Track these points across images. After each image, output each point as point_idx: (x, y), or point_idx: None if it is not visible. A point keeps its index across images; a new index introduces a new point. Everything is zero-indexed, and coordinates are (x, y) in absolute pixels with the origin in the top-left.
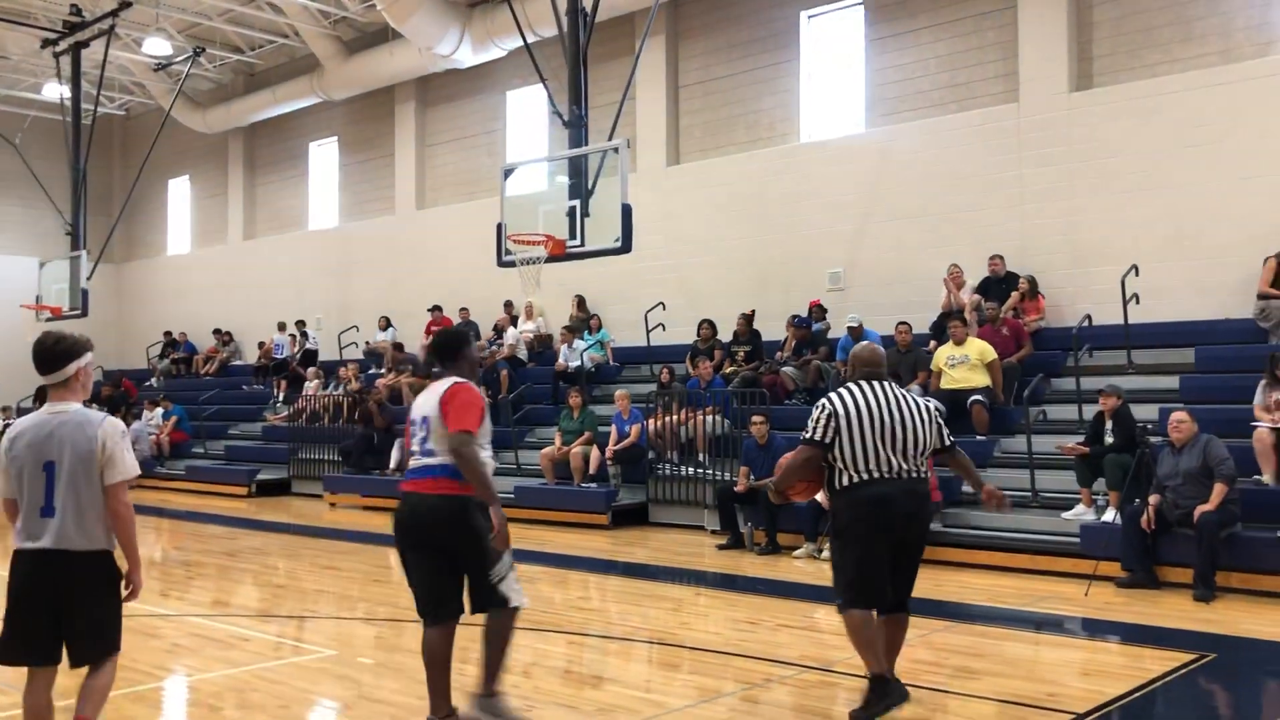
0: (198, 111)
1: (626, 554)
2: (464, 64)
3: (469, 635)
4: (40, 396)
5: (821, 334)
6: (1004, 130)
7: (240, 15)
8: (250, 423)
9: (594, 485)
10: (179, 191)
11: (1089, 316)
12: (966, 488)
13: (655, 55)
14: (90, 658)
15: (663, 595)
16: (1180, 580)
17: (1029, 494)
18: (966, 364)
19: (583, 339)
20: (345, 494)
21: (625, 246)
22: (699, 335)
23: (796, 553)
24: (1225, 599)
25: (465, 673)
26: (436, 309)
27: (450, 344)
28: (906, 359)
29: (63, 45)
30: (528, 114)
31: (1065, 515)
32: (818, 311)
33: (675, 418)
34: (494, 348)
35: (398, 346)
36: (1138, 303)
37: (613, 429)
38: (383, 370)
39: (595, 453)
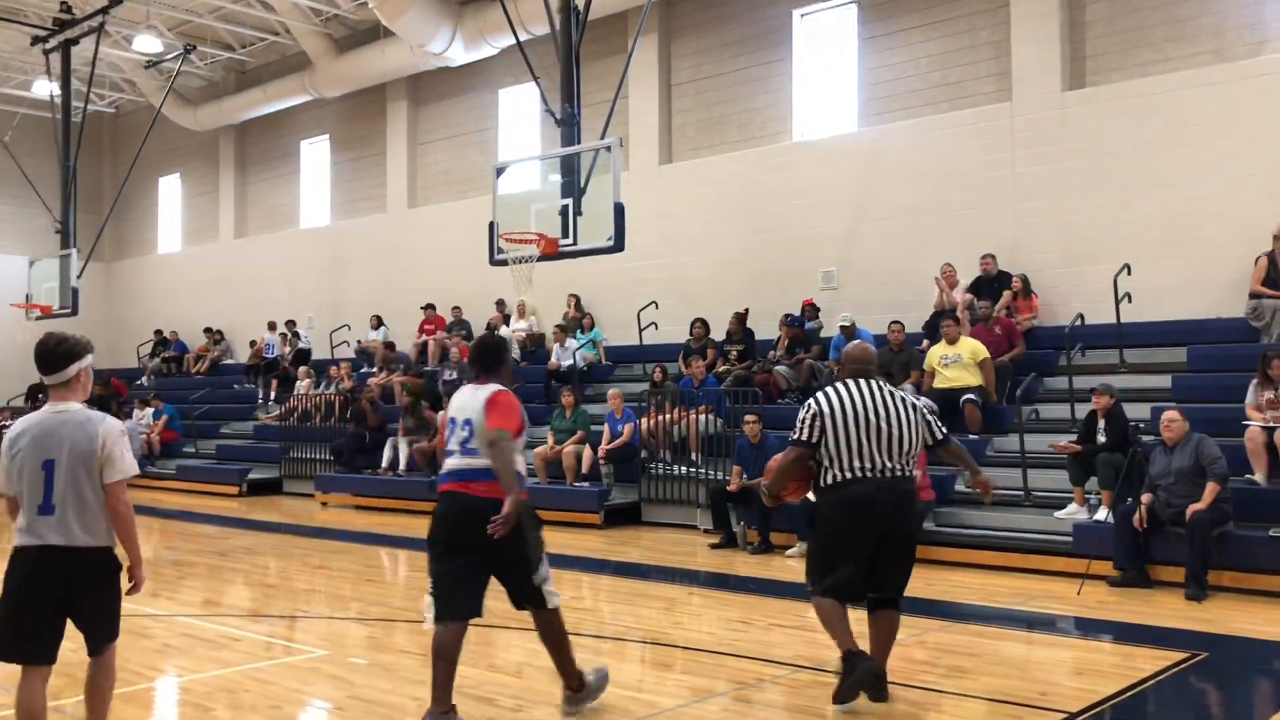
0: (188, 109)
1: (619, 553)
2: (456, 62)
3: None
4: (31, 395)
5: (814, 333)
6: (997, 129)
7: (231, 12)
8: (241, 422)
9: (586, 485)
10: (170, 189)
11: (1081, 315)
12: (960, 486)
13: (648, 54)
14: (100, 640)
15: (655, 595)
16: (1172, 579)
17: (1021, 493)
18: (959, 363)
19: (575, 338)
20: (337, 493)
21: (618, 245)
22: (692, 334)
23: (789, 552)
24: (1217, 598)
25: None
26: (429, 307)
27: (491, 351)
28: (899, 358)
29: (53, 42)
30: (520, 112)
31: (1058, 514)
32: (810, 310)
33: (668, 417)
34: None
35: (389, 345)
36: (1130, 302)
37: (605, 428)
38: (374, 369)
39: (588, 452)
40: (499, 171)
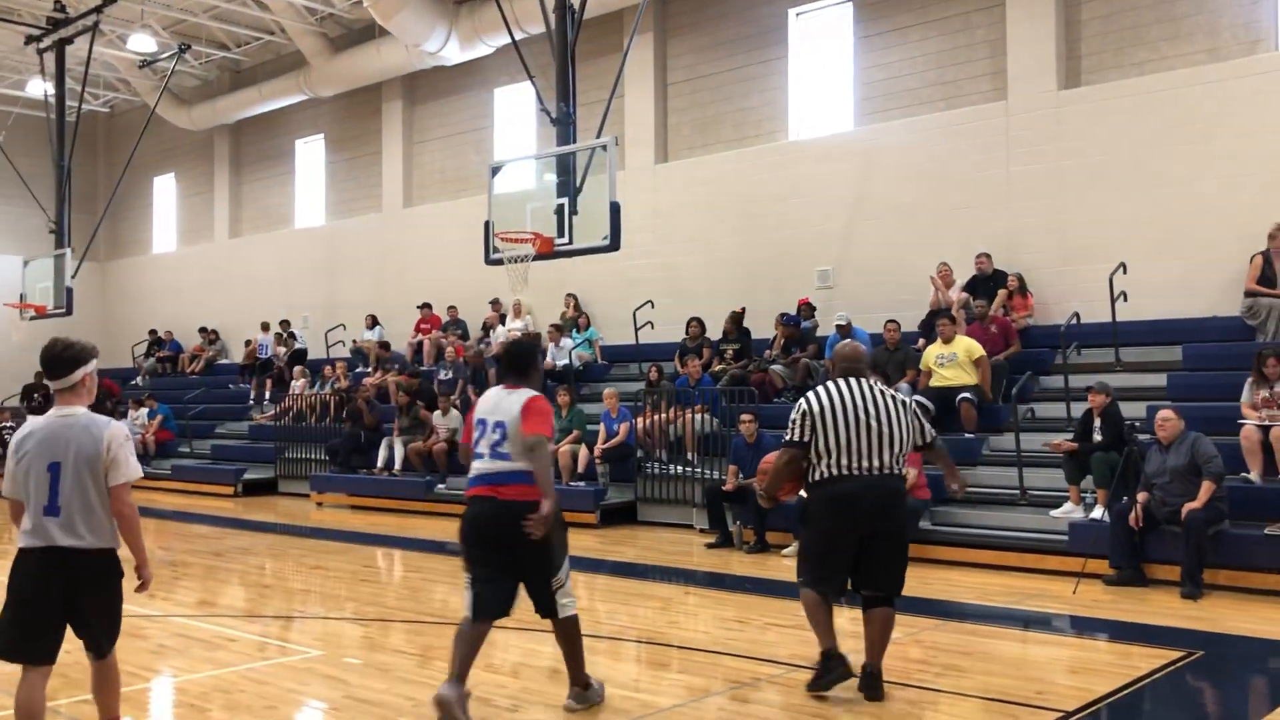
0: (183, 109)
1: (615, 553)
2: (451, 61)
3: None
4: (26, 395)
5: (810, 332)
6: (992, 128)
7: (226, 12)
8: (236, 422)
9: (582, 484)
10: (164, 189)
11: (1077, 314)
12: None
13: (643, 52)
14: (103, 641)
15: (651, 594)
16: (1168, 578)
17: (1017, 492)
18: (955, 362)
19: (571, 337)
20: (332, 493)
21: (614, 244)
22: (688, 333)
23: (785, 551)
24: (1212, 596)
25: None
26: (426, 306)
27: (524, 356)
28: (895, 357)
29: (47, 42)
30: (515, 111)
31: (1053, 513)
32: (806, 309)
33: (664, 416)
34: (482, 346)
35: (383, 345)
36: (1125, 300)
37: (601, 427)
38: (369, 369)
39: (584, 451)
40: (494, 171)
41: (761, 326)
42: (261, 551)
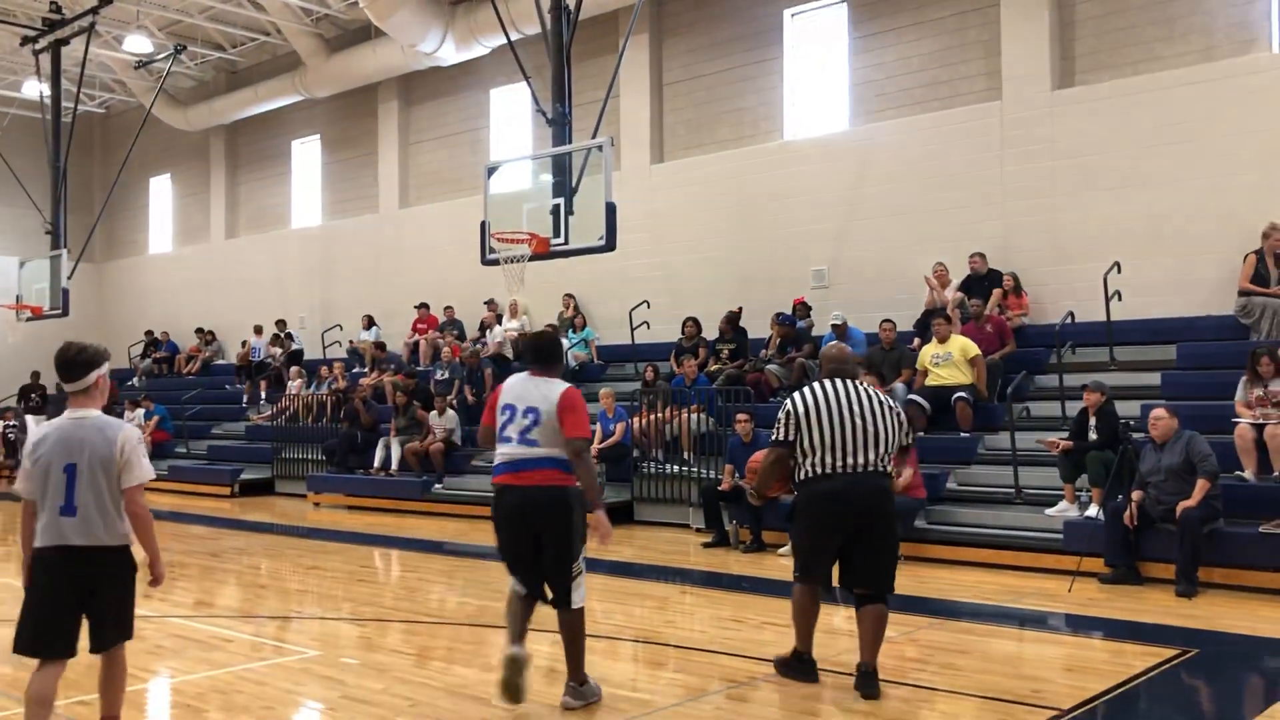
0: (179, 109)
1: (612, 552)
2: (447, 62)
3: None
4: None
5: (806, 331)
6: (987, 128)
7: (221, 12)
8: (233, 422)
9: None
10: (160, 190)
11: (1071, 313)
12: (951, 484)
13: (639, 53)
14: (112, 641)
15: (648, 593)
16: (1163, 576)
17: (1012, 490)
18: (950, 361)
19: (568, 337)
20: (329, 494)
21: (609, 245)
22: (683, 333)
23: (781, 550)
24: (1207, 594)
25: (458, 674)
26: (422, 306)
27: (549, 348)
28: (891, 356)
29: (42, 43)
30: (511, 112)
31: (1049, 511)
32: (802, 309)
33: (660, 416)
34: (479, 346)
35: (380, 346)
36: (1120, 299)
37: (597, 427)
38: (366, 370)
39: None
40: (490, 171)
41: (757, 326)
42: (258, 552)
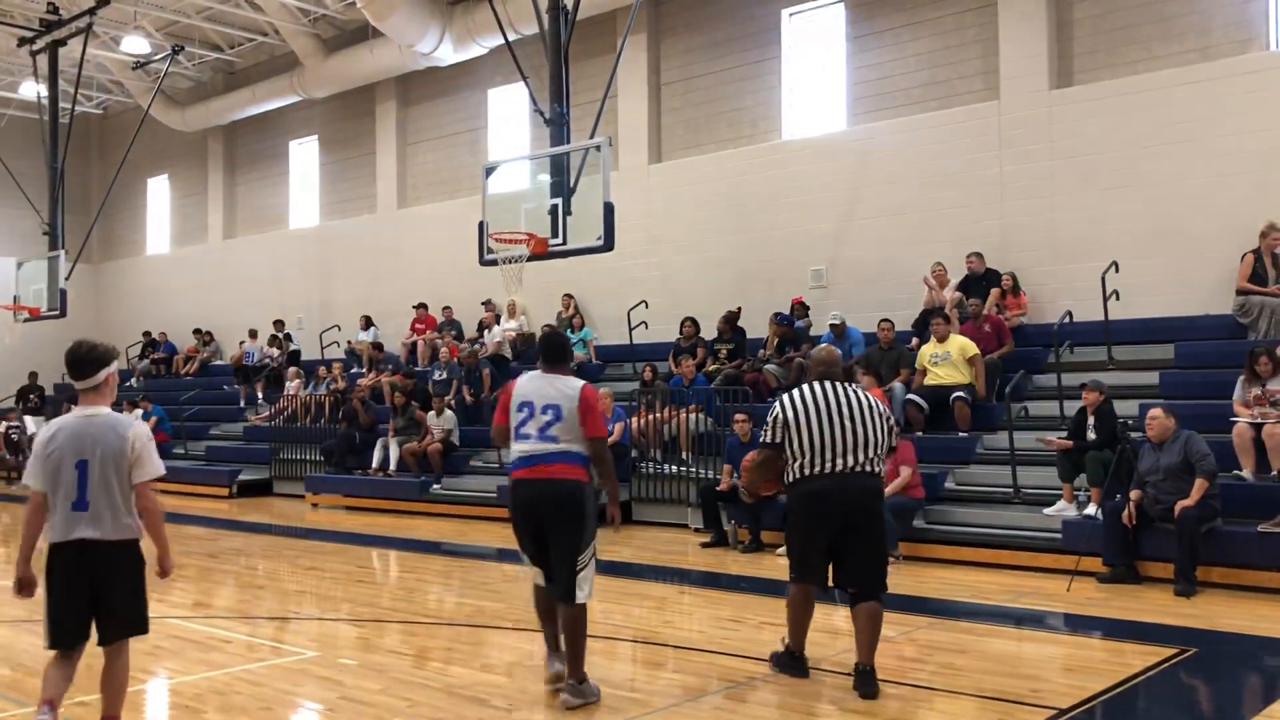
0: (176, 110)
1: (610, 552)
2: (445, 62)
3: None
4: (21, 396)
5: (804, 331)
6: (984, 127)
7: (219, 13)
8: (231, 423)
9: None
10: (158, 190)
11: (1070, 313)
12: (949, 483)
13: (637, 53)
14: (121, 635)
15: (646, 593)
16: (1161, 575)
17: (1011, 490)
18: (948, 361)
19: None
20: (327, 494)
21: (607, 245)
22: (682, 333)
23: (779, 550)
24: (1206, 594)
25: (456, 675)
26: (421, 306)
27: (560, 346)
28: (889, 356)
29: (40, 43)
30: (509, 112)
31: (1047, 511)
32: (800, 309)
33: (658, 416)
34: (477, 346)
35: (378, 346)
36: (1118, 299)
37: None
38: (364, 370)
39: None
40: (488, 171)
41: (755, 326)
42: (256, 552)
